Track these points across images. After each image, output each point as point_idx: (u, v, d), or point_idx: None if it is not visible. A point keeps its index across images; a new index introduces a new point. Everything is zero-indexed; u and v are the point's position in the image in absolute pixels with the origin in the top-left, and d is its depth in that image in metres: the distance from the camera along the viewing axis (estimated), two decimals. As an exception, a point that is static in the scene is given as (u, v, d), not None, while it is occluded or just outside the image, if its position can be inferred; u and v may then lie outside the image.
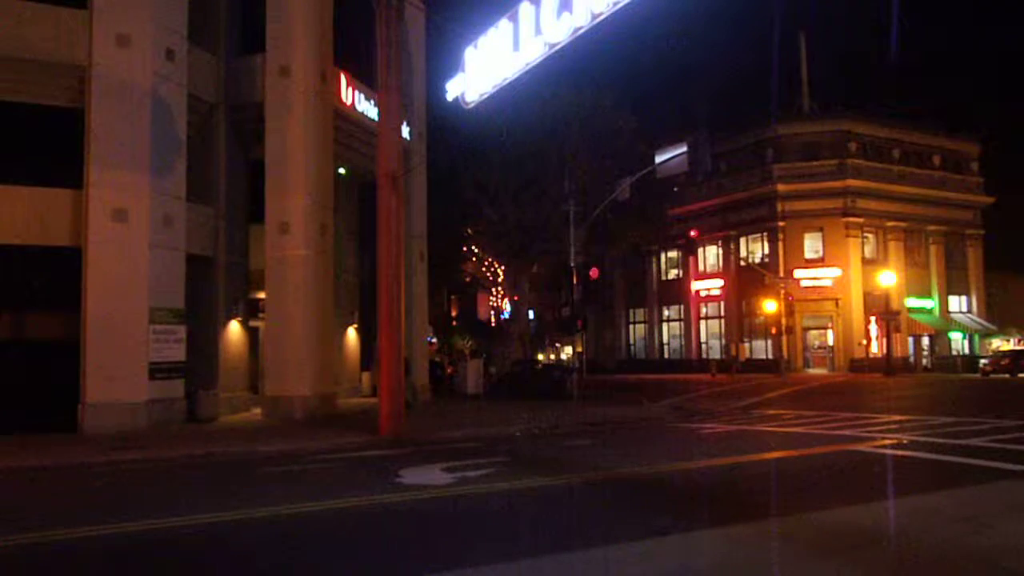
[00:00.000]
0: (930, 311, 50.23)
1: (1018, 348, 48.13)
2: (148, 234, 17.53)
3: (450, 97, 17.56)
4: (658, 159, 27.53)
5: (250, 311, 22.76)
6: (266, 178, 20.48)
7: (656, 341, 58.28)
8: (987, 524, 7.38)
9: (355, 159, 24.41)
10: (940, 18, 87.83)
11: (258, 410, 20.95)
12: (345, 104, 22.37)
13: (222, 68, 21.15)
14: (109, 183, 17.17)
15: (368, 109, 22.89)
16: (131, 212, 17.35)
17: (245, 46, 21.57)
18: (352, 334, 27.28)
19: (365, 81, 22.64)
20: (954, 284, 51.78)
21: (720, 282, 52.50)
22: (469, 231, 41.06)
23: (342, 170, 24.71)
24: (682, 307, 55.91)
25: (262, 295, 21.52)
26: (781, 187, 48.26)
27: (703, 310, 54.53)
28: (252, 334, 23.02)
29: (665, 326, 58.06)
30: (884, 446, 13.16)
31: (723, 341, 52.07)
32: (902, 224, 49.47)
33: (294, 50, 20.44)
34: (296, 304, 20.11)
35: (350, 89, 22.57)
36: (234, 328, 21.72)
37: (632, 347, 61.28)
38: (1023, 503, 8.53)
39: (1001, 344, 52.17)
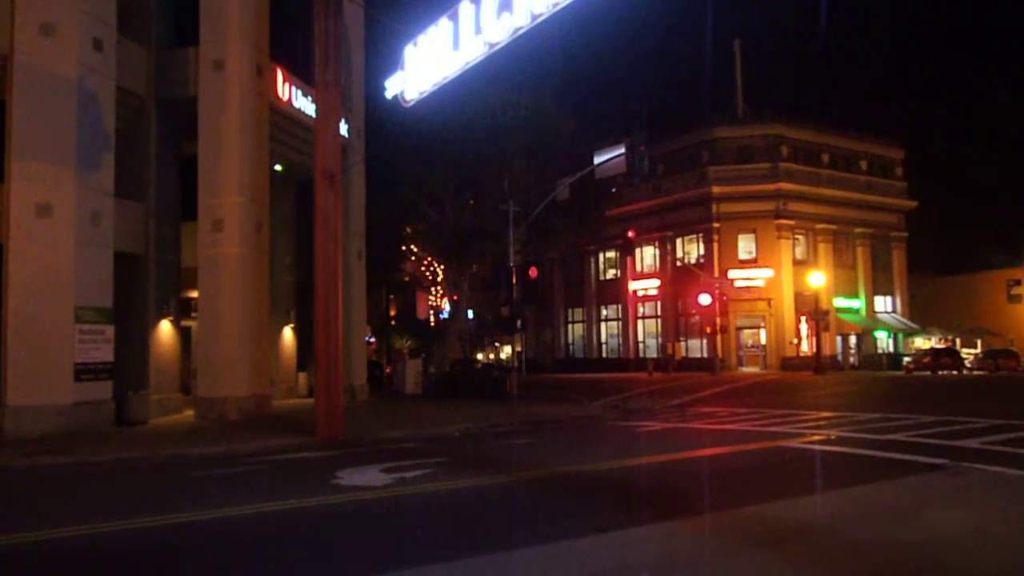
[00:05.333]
0: (857, 311, 51.93)
1: (939, 347, 50.16)
2: (74, 230, 16.91)
3: (389, 95, 17.44)
4: (596, 160, 27.81)
5: (182, 310, 22.19)
6: (199, 174, 19.98)
7: (594, 340, 58.88)
8: (910, 515, 7.69)
9: (292, 156, 24.01)
10: (865, 27, 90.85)
11: (190, 412, 20.43)
12: (281, 100, 21.98)
13: (153, 60, 20.54)
14: (32, 177, 16.49)
15: (305, 105, 22.54)
16: (56, 208, 16.72)
17: (177, 38, 20.99)
18: (288, 334, 26.84)
19: (302, 77, 22.29)
20: (880, 285, 53.66)
21: (657, 282, 53.33)
22: (408, 230, 40.82)
23: (278, 167, 24.29)
24: (620, 306, 56.62)
25: (195, 294, 21.00)
26: (716, 189, 49.28)
27: (640, 309, 55.30)
28: (184, 334, 22.44)
29: (603, 325, 58.70)
30: (814, 442, 13.56)
31: (660, 340, 52.92)
32: (831, 226, 51.02)
33: (229, 44, 19.98)
34: (230, 303, 19.69)
35: (287, 84, 22.19)
36: (165, 328, 21.13)
37: (571, 346, 61.79)
38: (943, 495, 8.86)
39: (923, 343, 54.27)
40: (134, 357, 19.64)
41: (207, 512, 8.48)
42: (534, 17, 12.84)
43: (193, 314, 21.66)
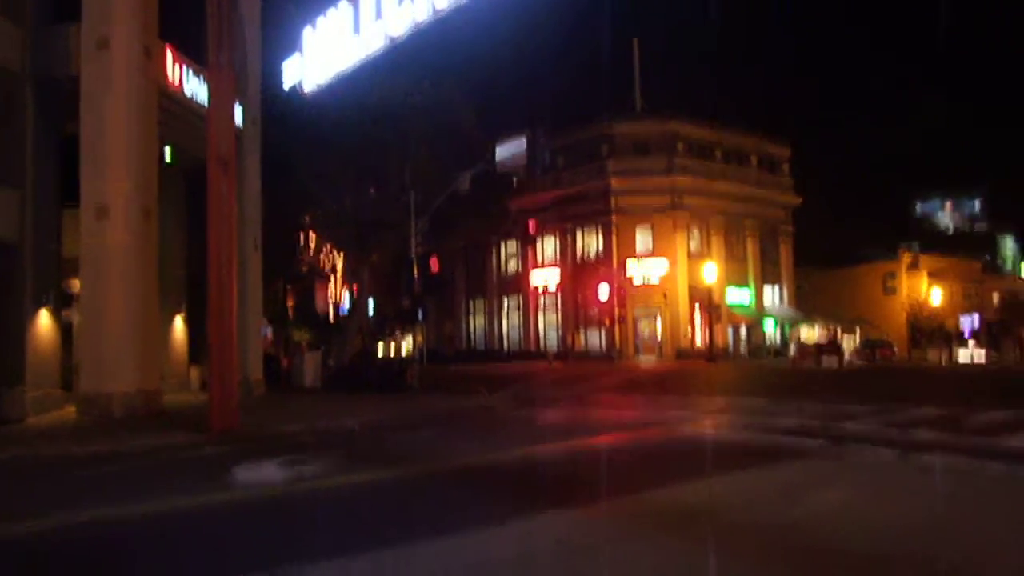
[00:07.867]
0: (747, 304, 54.04)
1: (822, 343, 52.83)
2: (-61, 216, 15.77)
3: (287, 79, 16.98)
4: (498, 152, 27.93)
5: (63, 302, 21.00)
6: (81, 158, 18.89)
7: (496, 331, 59.17)
8: (793, 497, 8.11)
9: (183, 141, 23.01)
10: (757, 26, 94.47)
11: (72, 409, 19.39)
12: (171, 82, 21.05)
13: (30, 37, 19.27)
14: None
15: (197, 89, 21.65)
16: (-82, 191, 15.54)
17: (57, 14, 19.74)
18: (180, 326, 25.82)
19: (195, 58, 21.39)
20: (768, 277, 56.04)
21: (557, 272, 53.99)
22: (307, 219, 39.92)
23: (168, 153, 23.25)
24: (521, 298, 57.06)
25: (78, 284, 19.91)
26: (615, 182, 50.25)
27: (541, 301, 55.89)
28: (66, 327, 21.25)
29: (504, 317, 59.04)
30: (707, 428, 14.04)
31: (560, 331, 53.63)
32: (723, 219, 52.85)
33: (114, 21, 18.94)
34: (116, 294, 18.75)
35: (177, 66, 21.24)
36: (44, 320, 19.93)
37: (472, 337, 61.89)
38: (824, 477, 9.36)
39: (808, 333, 57.04)
40: (8, 351, 18.48)
41: (89, 513, 8.05)
42: (435, 12, 12.74)
43: (75, 305, 20.54)
